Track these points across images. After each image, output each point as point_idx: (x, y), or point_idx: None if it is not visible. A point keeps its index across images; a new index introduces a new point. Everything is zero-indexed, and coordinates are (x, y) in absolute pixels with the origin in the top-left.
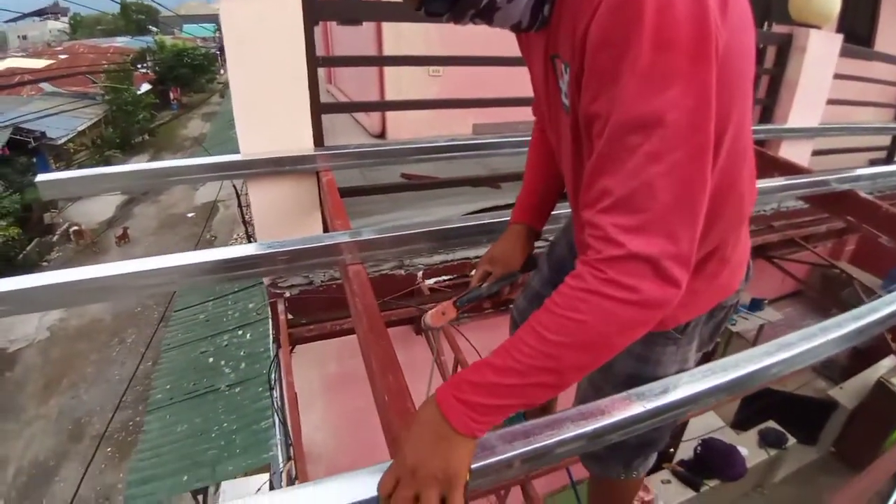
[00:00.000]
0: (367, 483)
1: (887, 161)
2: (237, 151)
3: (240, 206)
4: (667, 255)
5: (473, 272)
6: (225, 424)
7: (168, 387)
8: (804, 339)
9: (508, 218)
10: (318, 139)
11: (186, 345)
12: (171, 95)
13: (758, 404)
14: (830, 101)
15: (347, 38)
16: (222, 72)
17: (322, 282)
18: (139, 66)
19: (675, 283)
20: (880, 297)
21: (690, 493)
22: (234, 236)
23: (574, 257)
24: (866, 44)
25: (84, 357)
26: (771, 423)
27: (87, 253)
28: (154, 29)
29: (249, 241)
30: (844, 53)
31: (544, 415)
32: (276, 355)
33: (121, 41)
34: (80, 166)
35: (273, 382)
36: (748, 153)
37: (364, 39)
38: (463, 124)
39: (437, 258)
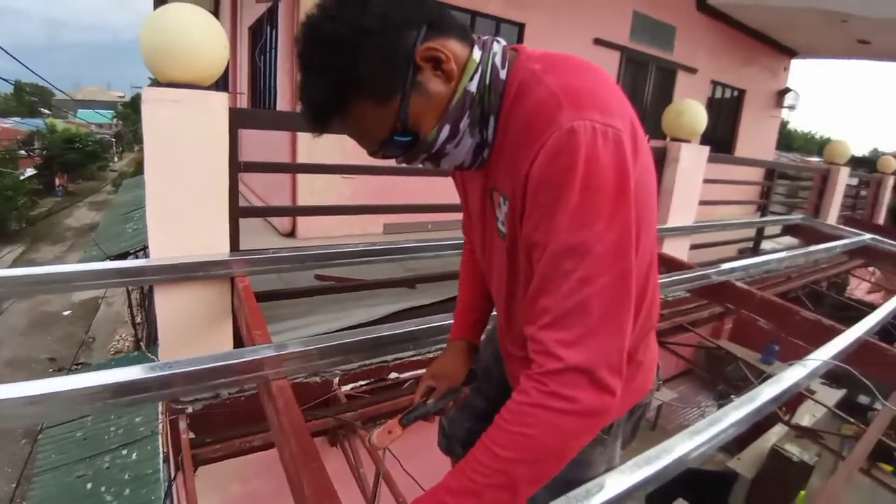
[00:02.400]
0: None
1: (754, 249)
2: (131, 248)
3: (130, 305)
4: (601, 366)
5: (410, 373)
6: None
7: None
8: (711, 425)
9: (434, 325)
10: (234, 244)
11: (60, 468)
12: (57, 181)
13: (665, 483)
14: (702, 202)
15: (257, 137)
16: (116, 160)
17: (230, 395)
18: (26, 149)
19: (610, 391)
20: (763, 373)
21: None
22: (117, 337)
23: (499, 365)
24: (729, 149)
25: None
26: (680, 501)
27: None
28: (46, 112)
29: (137, 346)
30: (713, 160)
31: None
32: (172, 479)
33: (10, 122)
34: None
35: None
36: (653, 265)
37: (276, 140)
38: (374, 224)
39: (355, 363)
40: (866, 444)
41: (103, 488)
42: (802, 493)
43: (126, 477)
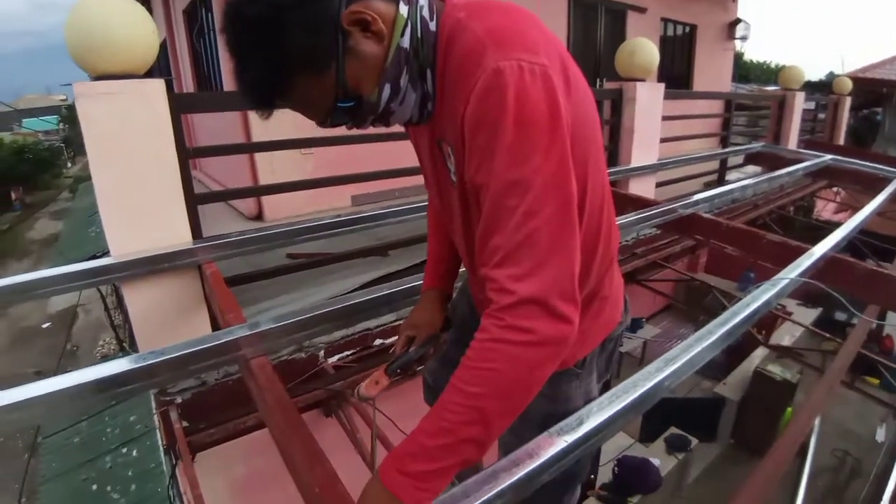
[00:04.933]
0: None
1: (719, 181)
2: (97, 251)
3: (106, 308)
4: (553, 295)
5: (395, 338)
6: None
7: None
8: (685, 351)
9: (408, 286)
10: (196, 231)
11: (64, 475)
12: (13, 196)
13: (657, 415)
14: (664, 139)
15: (210, 123)
16: (69, 165)
17: (217, 380)
18: None
19: (565, 319)
20: (738, 298)
21: None
22: (100, 343)
23: (475, 315)
24: (686, 85)
25: None
26: (673, 430)
27: None
28: None
29: (121, 348)
30: (669, 96)
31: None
32: (173, 469)
33: None
34: None
35: (173, 499)
36: (606, 199)
37: (229, 124)
38: (341, 197)
39: (338, 334)
40: (845, 356)
41: (109, 487)
42: (789, 409)
43: (129, 474)
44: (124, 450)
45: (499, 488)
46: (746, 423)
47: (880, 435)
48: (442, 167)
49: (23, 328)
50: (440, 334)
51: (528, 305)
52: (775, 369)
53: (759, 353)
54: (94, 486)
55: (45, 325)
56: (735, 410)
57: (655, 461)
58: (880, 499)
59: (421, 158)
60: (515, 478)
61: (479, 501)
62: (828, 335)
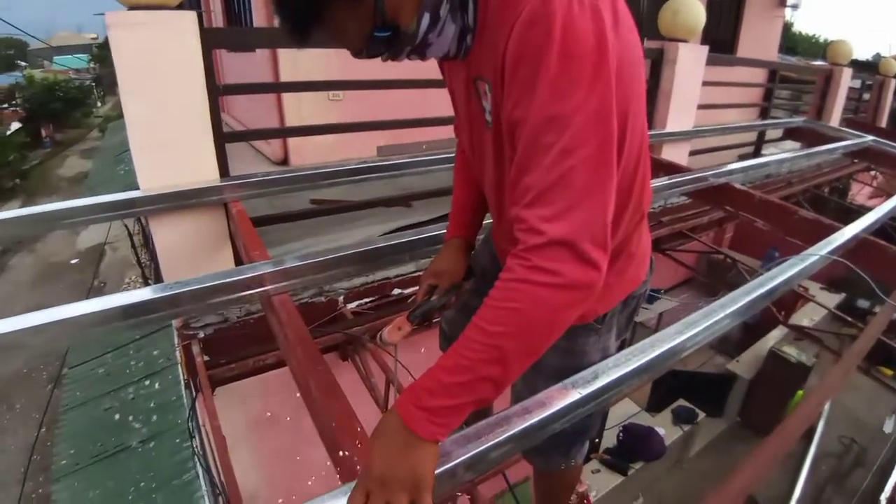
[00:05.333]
0: None
1: (755, 154)
2: (126, 188)
3: (133, 246)
4: (584, 238)
5: (414, 289)
6: (142, 484)
7: (72, 451)
8: (706, 316)
9: (430, 234)
10: (224, 169)
11: (87, 403)
12: (44, 133)
13: (667, 386)
14: (702, 106)
15: (239, 66)
16: (99, 105)
17: (238, 318)
18: (8, 104)
19: (593, 265)
20: (762, 274)
21: (619, 478)
22: (126, 280)
23: (496, 266)
24: (730, 50)
25: None
26: (681, 402)
27: None
28: (23, 64)
29: (147, 285)
30: (711, 62)
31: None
32: (193, 402)
33: None
34: None
35: (192, 431)
36: (644, 148)
37: (257, 67)
38: (367, 148)
39: (358, 281)
40: (866, 340)
41: (130, 417)
42: (800, 392)
43: (151, 405)
44: (147, 382)
45: (510, 432)
46: (755, 403)
47: (888, 426)
48: (476, 108)
49: (51, 263)
50: (462, 283)
51: (556, 247)
52: (791, 351)
53: (776, 335)
54: (117, 416)
55: (73, 262)
56: (745, 389)
57: (661, 431)
58: (882, 490)
59: (454, 99)
60: (527, 423)
61: (491, 443)
62: (850, 319)
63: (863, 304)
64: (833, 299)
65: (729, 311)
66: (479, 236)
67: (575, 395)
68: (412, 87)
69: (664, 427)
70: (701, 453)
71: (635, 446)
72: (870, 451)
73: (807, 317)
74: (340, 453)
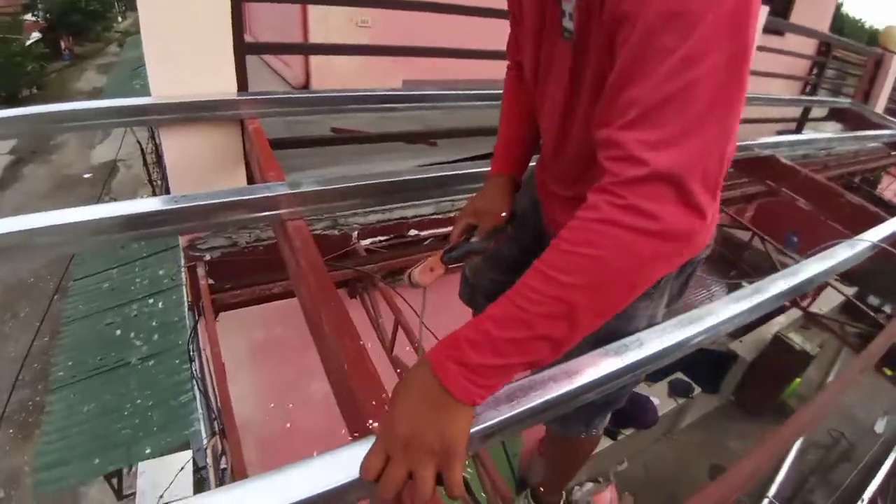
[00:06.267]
0: (346, 463)
1: (797, 131)
2: None
3: (145, 163)
4: (694, 175)
5: (430, 231)
6: (139, 401)
7: (70, 363)
8: (757, 292)
9: (463, 172)
10: (242, 83)
11: (89, 317)
12: (63, 45)
13: None
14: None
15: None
16: (120, 20)
17: (248, 243)
18: (29, 14)
19: (699, 212)
20: (778, 261)
21: (608, 442)
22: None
23: (537, 212)
24: (783, 17)
25: None
26: (679, 375)
27: None
28: None
29: None
30: (768, 25)
31: None
32: (195, 324)
33: None
34: None
35: (192, 353)
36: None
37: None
38: (392, 79)
39: (373, 217)
40: (887, 337)
41: (132, 334)
42: (797, 380)
43: (154, 324)
44: (151, 300)
45: (546, 397)
46: (751, 385)
47: (880, 426)
48: (552, 12)
49: (65, 175)
50: (505, 226)
51: (659, 183)
52: (796, 338)
53: (781, 320)
54: (118, 332)
55: (86, 175)
56: (744, 369)
57: (655, 400)
58: (866, 488)
59: (521, 8)
60: (563, 390)
61: (522, 408)
62: (872, 312)
63: (873, 300)
64: (845, 291)
65: (777, 291)
66: None
67: (617, 363)
68: (447, 12)
69: (659, 397)
70: (691, 427)
71: (630, 413)
72: (858, 448)
73: (816, 306)
74: (351, 398)
